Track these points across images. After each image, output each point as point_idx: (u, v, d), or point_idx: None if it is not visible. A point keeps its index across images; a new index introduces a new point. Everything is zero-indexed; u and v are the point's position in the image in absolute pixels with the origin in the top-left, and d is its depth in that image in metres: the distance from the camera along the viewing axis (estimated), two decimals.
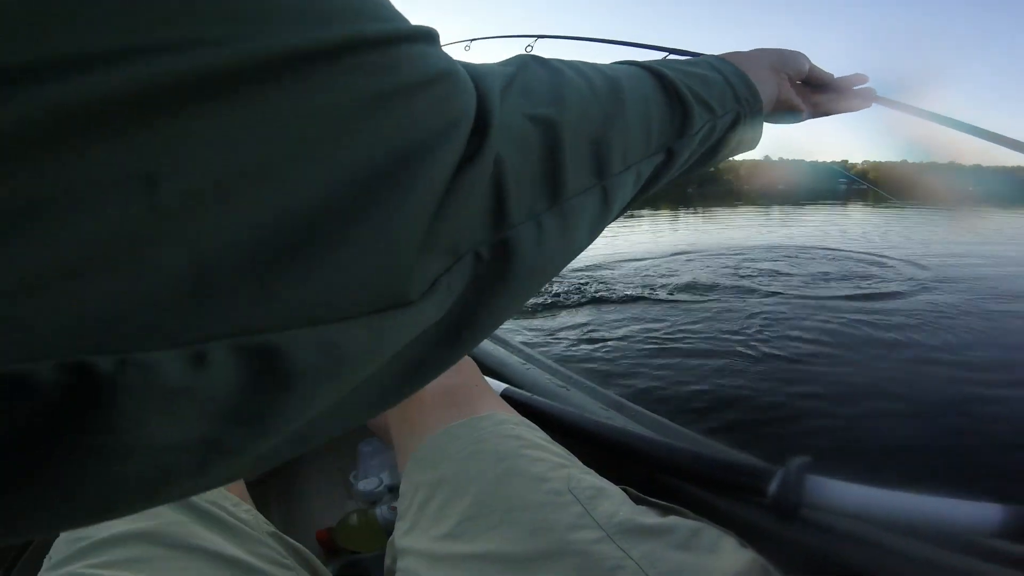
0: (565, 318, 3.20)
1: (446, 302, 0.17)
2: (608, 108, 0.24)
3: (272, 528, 0.54)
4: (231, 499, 0.52)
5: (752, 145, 0.40)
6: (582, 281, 4.16)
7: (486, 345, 1.10)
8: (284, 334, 0.12)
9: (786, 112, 0.47)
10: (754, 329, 2.85)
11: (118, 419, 0.10)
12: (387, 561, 0.50)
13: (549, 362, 1.05)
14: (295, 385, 0.13)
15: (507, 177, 0.17)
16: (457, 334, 0.18)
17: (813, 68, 0.49)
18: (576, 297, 3.73)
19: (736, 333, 2.78)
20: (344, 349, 0.13)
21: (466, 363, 0.63)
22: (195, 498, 0.47)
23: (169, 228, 0.10)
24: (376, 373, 0.16)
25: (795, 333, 2.80)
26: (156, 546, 0.42)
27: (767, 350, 2.54)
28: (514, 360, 1.02)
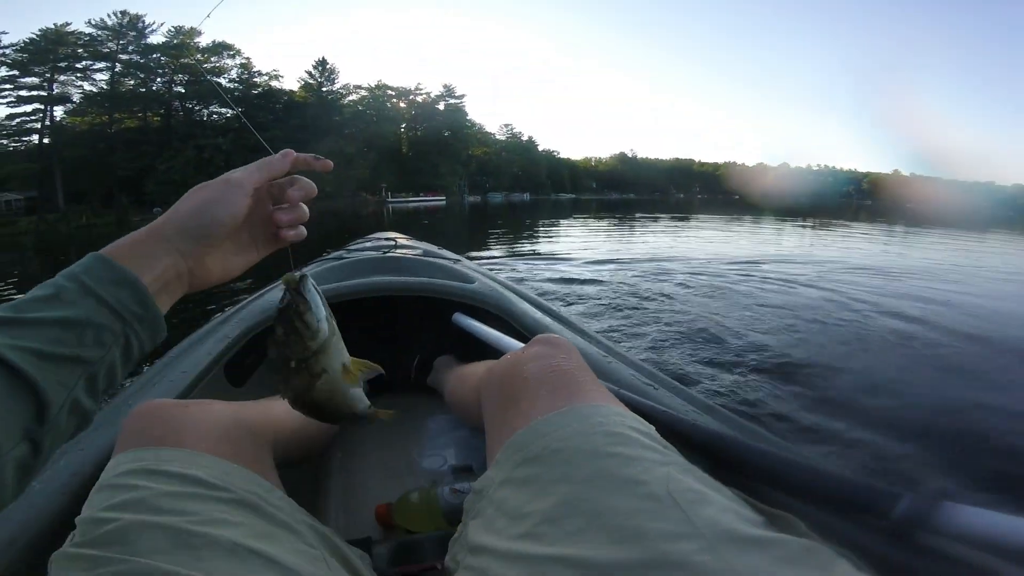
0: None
1: None
2: None
3: (308, 518, 0.50)
4: (264, 485, 0.49)
5: (158, 340, 0.37)
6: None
7: (564, 333, 1.04)
8: None
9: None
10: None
11: None
12: (448, 558, 0.46)
13: (632, 357, 0.96)
14: None
15: None
16: None
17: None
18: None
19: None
20: None
21: (572, 349, 0.57)
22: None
23: None
24: None
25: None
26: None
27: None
28: (594, 351, 0.94)
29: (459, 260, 1.69)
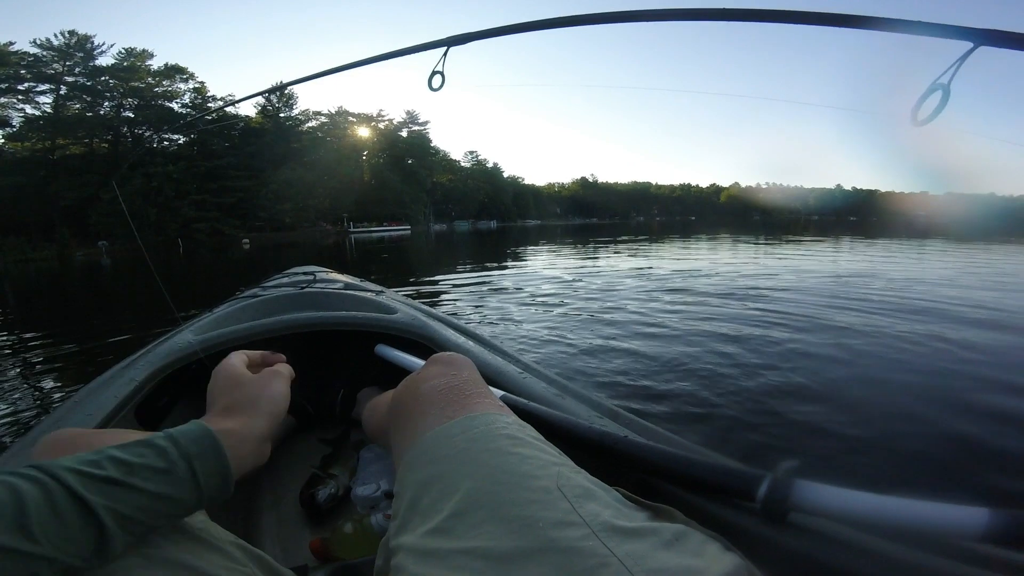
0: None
1: None
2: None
3: (233, 537, 0.51)
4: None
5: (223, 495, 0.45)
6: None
7: (484, 354, 1.09)
8: None
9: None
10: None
11: None
12: (378, 562, 0.49)
13: (546, 371, 1.04)
14: None
15: None
16: None
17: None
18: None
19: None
20: None
21: (466, 364, 0.62)
22: None
23: None
24: None
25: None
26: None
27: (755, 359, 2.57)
28: (511, 369, 1.00)
29: (382, 292, 1.68)
